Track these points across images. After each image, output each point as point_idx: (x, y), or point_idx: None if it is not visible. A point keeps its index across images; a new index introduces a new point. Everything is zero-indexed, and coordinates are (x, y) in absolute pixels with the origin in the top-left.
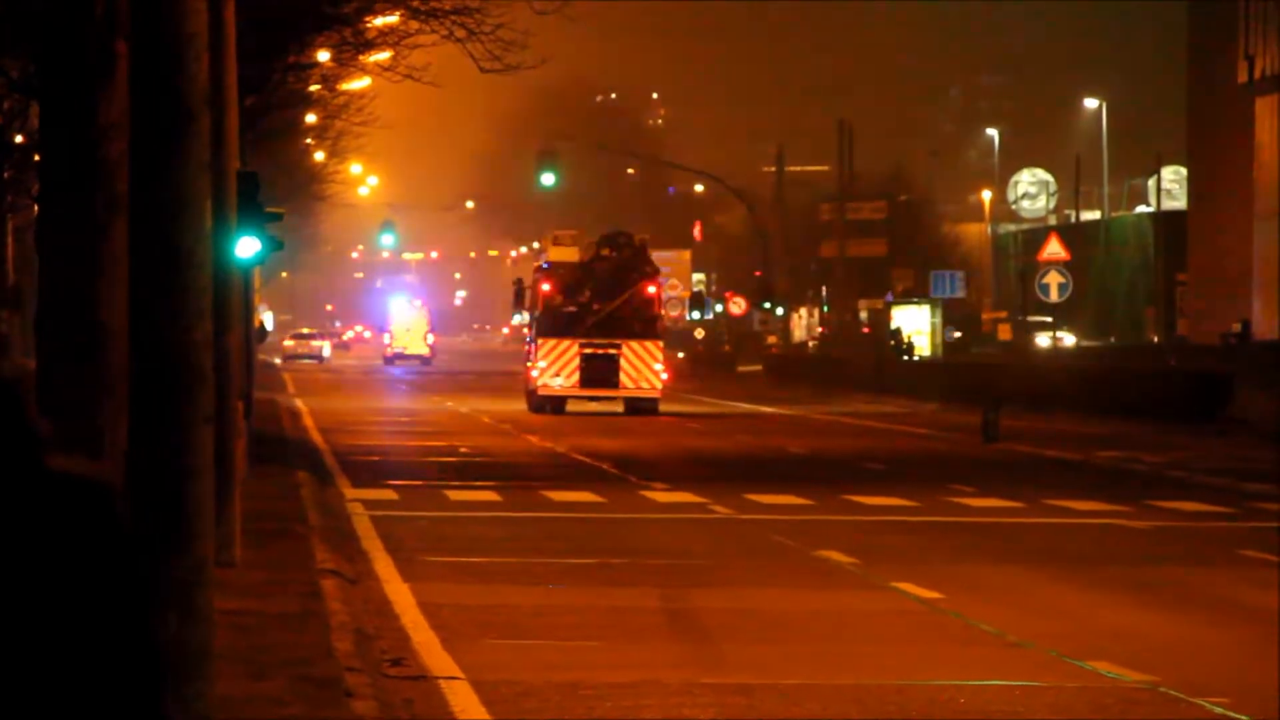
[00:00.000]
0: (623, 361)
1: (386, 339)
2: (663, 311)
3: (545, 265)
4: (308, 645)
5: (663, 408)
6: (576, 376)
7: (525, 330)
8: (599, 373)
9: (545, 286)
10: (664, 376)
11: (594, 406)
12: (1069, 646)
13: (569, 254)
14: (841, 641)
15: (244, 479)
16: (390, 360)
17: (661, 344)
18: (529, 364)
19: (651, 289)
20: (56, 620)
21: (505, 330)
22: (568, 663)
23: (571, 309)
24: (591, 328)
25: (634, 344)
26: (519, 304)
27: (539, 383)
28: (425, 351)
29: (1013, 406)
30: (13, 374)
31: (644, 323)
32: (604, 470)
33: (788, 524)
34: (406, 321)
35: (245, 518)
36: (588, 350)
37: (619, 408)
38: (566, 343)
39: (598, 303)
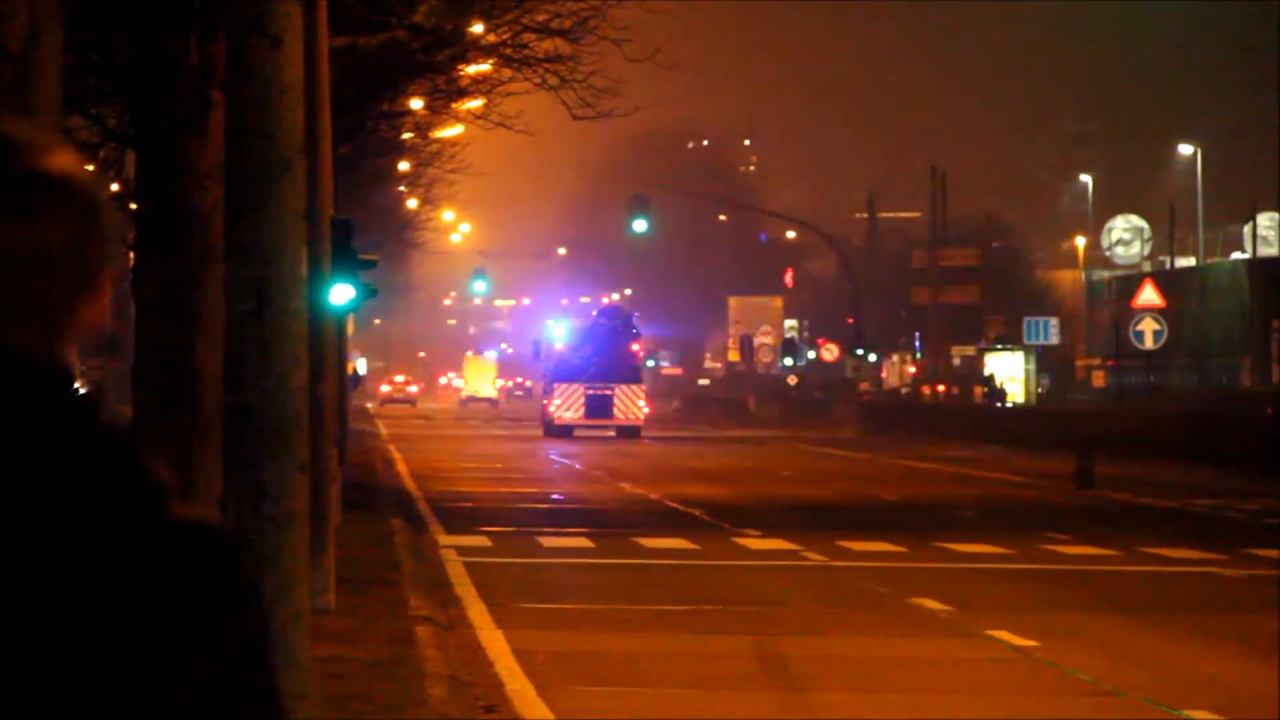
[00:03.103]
0: (615, 399)
1: (461, 384)
2: (642, 364)
3: (556, 328)
4: (401, 692)
5: (751, 451)
6: (582, 410)
7: (543, 376)
8: (598, 407)
9: (559, 345)
10: (646, 410)
11: (594, 433)
12: (1165, 695)
13: (574, 323)
14: (936, 690)
15: (338, 526)
16: (464, 402)
17: (644, 386)
18: (545, 401)
19: (635, 347)
20: (184, 670)
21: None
22: (660, 710)
23: (577, 362)
24: (592, 375)
25: (623, 386)
26: (537, 357)
27: (555, 415)
28: (494, 395)
29: (1107, 453)
30: (118, 423)
31: (630, 371)
32: (696, 517)
33: (881, 571)
34: (478, 370)
35: (339, 564)
36: (590, 391)
37: (611, 433)
38: (575, 386)
39: (596, 357)
